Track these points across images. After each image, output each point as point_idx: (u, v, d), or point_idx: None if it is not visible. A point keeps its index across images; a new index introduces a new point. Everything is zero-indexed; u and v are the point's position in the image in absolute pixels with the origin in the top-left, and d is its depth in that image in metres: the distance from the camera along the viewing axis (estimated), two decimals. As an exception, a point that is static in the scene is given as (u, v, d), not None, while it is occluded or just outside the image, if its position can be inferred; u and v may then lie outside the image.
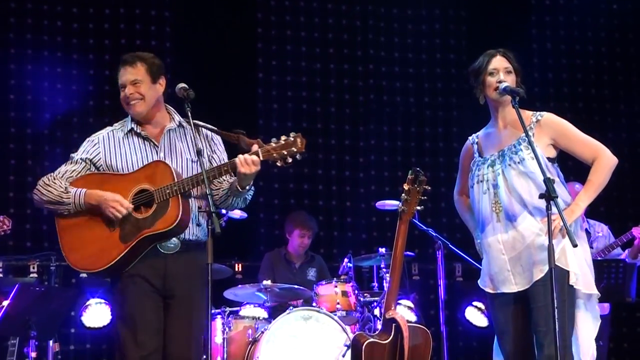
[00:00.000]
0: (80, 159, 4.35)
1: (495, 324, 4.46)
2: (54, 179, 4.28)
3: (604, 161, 4.35)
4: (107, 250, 4.15)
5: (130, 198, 4.17)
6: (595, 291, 4.27)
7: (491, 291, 4.40)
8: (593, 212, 7.75)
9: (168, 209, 4.13)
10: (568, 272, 4.17)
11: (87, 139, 4.43)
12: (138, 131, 4.36)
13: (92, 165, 4.32)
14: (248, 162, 4.16)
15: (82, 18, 8.47)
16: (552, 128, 4.35)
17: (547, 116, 4.38)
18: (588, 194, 4.30)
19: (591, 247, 6.84)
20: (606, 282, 6.15)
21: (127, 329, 4.20)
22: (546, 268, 4.06)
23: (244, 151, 4.24)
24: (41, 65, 8.29)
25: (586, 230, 7.06)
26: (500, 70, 4.37)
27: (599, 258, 6.76)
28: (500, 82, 4.33)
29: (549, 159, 4.32)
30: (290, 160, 4.18)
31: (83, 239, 4.20)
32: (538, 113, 4.40)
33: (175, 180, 4.16)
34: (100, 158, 4.32)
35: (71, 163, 4.36)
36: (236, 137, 4.33)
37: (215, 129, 4.45)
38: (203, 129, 4.45)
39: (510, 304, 4.33)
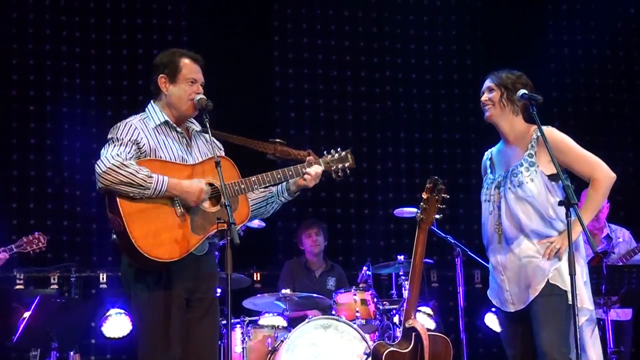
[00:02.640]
0: (129, 140, 4.13)
1: (502, 335, 4.59)
2: (123, 160, 4.01)
3: (600, 180, 4.40)
4: (183, 240, 4.06)
5: None
6: (590, 307, 4.33)
7: (500, 307, 4.53)
8: (613, 216, 7.72)
9: (239, 205, 4.20)
10: (566, 291, 4.26)
11: (121, 123, 4.21)
12: (174, 125, 4.30)
13: (137, 149, 4.14)
14: (315, 177, 4.38)
15: (99, 12, 8.54)
16: (551, 144, 4.34)
17: (547, 132, 4.36)
18: (586, 215, 4.34)
19: (613, 253, 6.86)
20: (627, 288, 6.13)
21: (156, 336, 4.09)
22: (540, 287, 4.26)
23: (275, 160, 4.42)
24: (59, 76, 8.35)
25: (607, 235, 7.04)
26: (484, 92, 4.57)
27: (620, 263, 6.73)
28: (483, 102, 4.55)
29: (551, 176, 4.36)
30: (341, 174, 4.50)
31: (155, 228, 4.04)
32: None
33: (240, 178, 4.23)
34: (145, 143, 4.16)
35: (120, 145, 4.10)
36: (273, 147, 4.39)
37: (242, 138, 4.48)
38: (214, 138, 4.44)
39: (515, 321, 4.45)
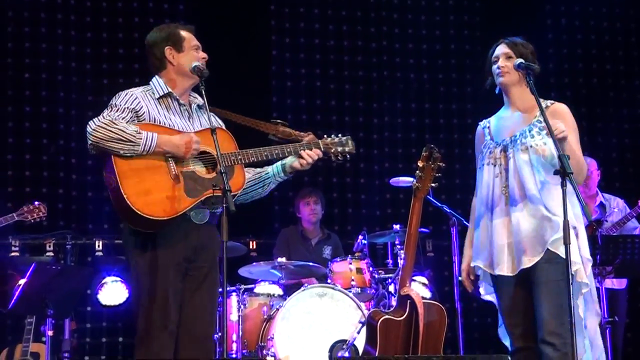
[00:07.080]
0: (126, 107, 4.16)
1: (500, 304, 4.49)
2: (114, 119, 4.05)
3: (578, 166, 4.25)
4: (175, 200, 4.06)
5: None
6: (587, 281, 4.27)
7: (488, 271, 4.46)
8: (608, 187, 7.73)
9: (234, 175, 4.19)
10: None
11: (123, 93, 4.25)
12: (177, 97, 4.30)
13: (135, 117, 4.16)
14: (313, 156, 4.35)
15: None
16: (561, 117, 4.32)
17: (559, 105, 4.40)
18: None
19: (606, 221, 6.87)
20: (622, 257, 6.14)
21: (153, 304, 4.09)
22: (536, 259, 4.22)
23: (277, 141, 4.39)
24: (55, 44, 8.32)
25: (601, 203, 7.06)
26: (500, 57, 4.48)
27: (614, 232, 6.76)
28: (499, 67, 4.45)
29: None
30: (341, 158, 4.48)
31: (148, 186, 4.03)
32: (549, 101, 4.43)
33: (238, 149, 4.24)
34: (144, 112, 4.18)
35: (117, 110, 4.15)
36: (274, 127, 4.40)
37: (244, 117, 4.50)
38: (217, 116, 4.45)
39: (511, 285, 4.37)
